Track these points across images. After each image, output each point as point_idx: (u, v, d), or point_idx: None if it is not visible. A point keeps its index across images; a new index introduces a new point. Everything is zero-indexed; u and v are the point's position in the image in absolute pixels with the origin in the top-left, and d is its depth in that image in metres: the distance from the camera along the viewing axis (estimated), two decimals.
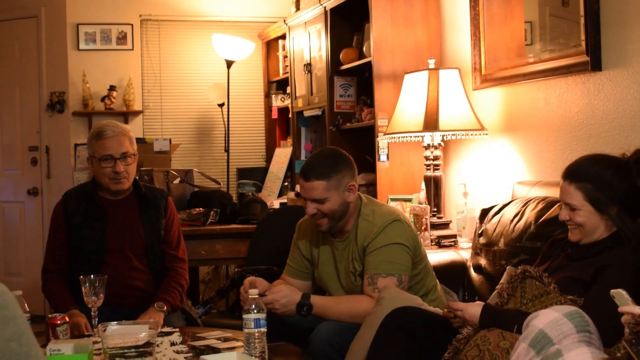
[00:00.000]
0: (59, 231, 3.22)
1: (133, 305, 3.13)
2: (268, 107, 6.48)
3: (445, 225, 3.89)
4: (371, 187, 4.48)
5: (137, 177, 3.30)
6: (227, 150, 6.12)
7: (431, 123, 3.74)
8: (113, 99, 6.09)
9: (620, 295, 1.86)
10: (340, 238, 2.89)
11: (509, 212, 3.21)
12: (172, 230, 3.31)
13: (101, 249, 3.16)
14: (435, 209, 3.89)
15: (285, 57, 5.90)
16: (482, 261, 3.26)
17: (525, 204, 3.15)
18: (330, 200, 2.76)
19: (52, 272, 3.17)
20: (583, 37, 3.20)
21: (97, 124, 3.23)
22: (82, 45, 6.13)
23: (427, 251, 3.02)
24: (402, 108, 3.92)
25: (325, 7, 4.85)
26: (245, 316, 2.36)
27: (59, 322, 2.61)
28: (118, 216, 3.21)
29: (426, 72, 3.84)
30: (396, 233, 2.77)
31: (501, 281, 2.44)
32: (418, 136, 3.89)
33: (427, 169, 3.91)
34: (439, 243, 3.78)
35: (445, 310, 2.38)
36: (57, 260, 3.20)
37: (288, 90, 5.80)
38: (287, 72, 5.75)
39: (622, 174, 2.34)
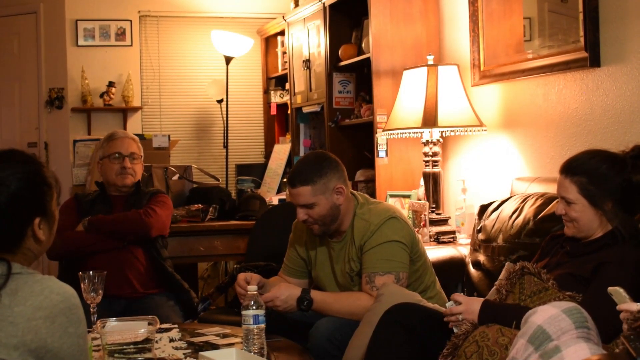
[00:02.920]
0: (70, 223, 3.44)
1: (131, 290, 3.36)
2: (267, 103, 6.48)
3: (444, 222, 3.89)
4: (370, 184, 4.48)
5: (140, 180, 3.61)
6: (226, 146, 6.13)
7: (430, 119, 3.74)
8: (112, 95, 6.09)
9: (617, 293, 1.86)
10: (337, 239, 2.89)
11: (507, 208, 3.21)
12: (154, 199, 3.53)
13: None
14: (434, 205, 3.89)
15: (284, 53, 5.90)
16: (481, 257, 3.27)
17: (524, 200, 3.15)
18: (319, 204, 2.76)
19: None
20: (582, 33, 3.20)
21: (108, 133, 3.67)
22: (80, 41, 6.13)
23: (425, 247, 3.02)
24: (401, 104, 3.92)
25: (324, 4, 4.84)
26: (244, 312, 2.36)
27: None
28: (121, 209, 3.52)
29: (425, 68, 3.83)
30: (392, 230, 2.76)
31: (500, 277, 2.44)
32: (417, 132, 3.89)
33: (426, 165, 3.91)
34: (437, 239, 3.78)
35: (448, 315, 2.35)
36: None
37: (287, 86, 5.79)
38: (286, 69, 5.75)
39: (617, 168, 2.34)
